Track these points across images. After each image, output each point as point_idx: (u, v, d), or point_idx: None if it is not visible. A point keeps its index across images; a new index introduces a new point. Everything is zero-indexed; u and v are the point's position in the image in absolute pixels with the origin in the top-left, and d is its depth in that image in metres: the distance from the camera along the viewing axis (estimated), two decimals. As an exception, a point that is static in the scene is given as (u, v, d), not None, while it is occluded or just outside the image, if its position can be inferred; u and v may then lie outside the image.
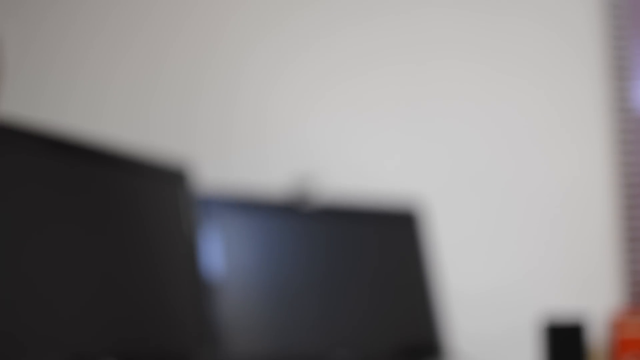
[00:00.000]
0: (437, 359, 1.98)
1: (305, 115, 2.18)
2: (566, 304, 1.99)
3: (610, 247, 2.12)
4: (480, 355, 2.05)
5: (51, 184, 1.47)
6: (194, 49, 2.18)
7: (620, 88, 2.17)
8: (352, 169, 2.14)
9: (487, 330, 2.10)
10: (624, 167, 2.14)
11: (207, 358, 1.64)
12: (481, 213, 2.18)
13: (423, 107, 2.20)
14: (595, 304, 2.03)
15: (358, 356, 1.79)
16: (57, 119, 1.60)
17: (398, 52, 2.21)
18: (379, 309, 1.92)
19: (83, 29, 2.16)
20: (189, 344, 1.64)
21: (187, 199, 1.69)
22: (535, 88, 2.19)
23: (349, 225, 1.93)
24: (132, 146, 1.66)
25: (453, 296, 2.09)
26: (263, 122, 2.15)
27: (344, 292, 1.86)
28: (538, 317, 1.92)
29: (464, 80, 2.20)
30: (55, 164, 1.48)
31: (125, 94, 2.14)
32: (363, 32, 2.21)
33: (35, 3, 2.14)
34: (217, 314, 1.66)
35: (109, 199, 1.57)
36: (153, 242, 1.63)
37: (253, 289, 1.74)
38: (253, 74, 2.16)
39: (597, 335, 1.94)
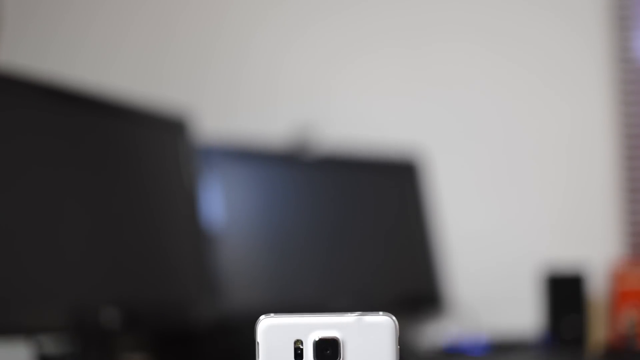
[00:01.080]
0: (437, 308, 1.98)
1: (306, 65, 2.16)
2: (566, 254, 1.99)
3: (610, 197, 2.12)
4: (480, 304, 2.05)
5: (51, 134, 1.46)
6: (206, 6, 2.16)
7: (622, 38, 2.15)
8: (351, 118, 2.13)
9: (487, 280, 2.10)
10: (625, 117, 2.13)
11: (207, 307, 1.64)
12: (481, 163, 2.17)
13: (423, 55, 2.18)
14: (596, 255, 2.03)
15: (358, 305, 1.79)
16: (66, 74, 1.58)
17: (398, 1, 2.18)
18: (379, 258, 1.92)
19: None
20: (189, 293, 1.64)
21: (187, 148, 1.68)
22: (537, 38, 2.18)
23: (349, 174, 1.92)
24: (132, 96, 1.64)
25: (453, 245, 2.09)
26: (265, 72, 2.13)
27: (344, 241, 1.86)
28: (538, 268, 1.92)
29: (463, 28, 2.18)
30: (55, 114, 1.47)
31: (135, 52, 2.12)
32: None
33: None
34: (217, 263, 1.66)
35: (109, 148, 1.56)
36: (153, 192, 1.63)
37: (253, 238, 1.73)
38: (260, 28, 2.14)
39: (597, 286, 1.94)
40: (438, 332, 2.00)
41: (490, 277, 2.10)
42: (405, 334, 1.86)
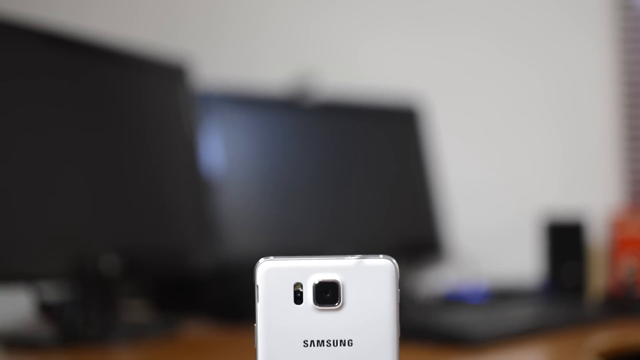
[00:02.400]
0: (437, 255, 1.99)
1: (306, 11, 2.14)
2: (566, 202, 1.99)
3: (610, 145, 2.12)
4: (480, 251, 2.05)
5: (51, 81, 1.45)
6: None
7: (624, -16, 2.14)
8: (352, 65, 2.12)
9: (487, 227, 2.10)
10: (625, 65, 2.12)
11: (207, 254, 1.64)
12: (482, 110, 2.16)
13: (423, 3, 2.16)
14: (596, 203, 2.03)
15: (358, 252, 1.79)
16: (67, 21, 1.56)
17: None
18: (379, 205, 1.92)
19: None
20: (188, 240, 1.65)
21: (187, 95, 1.67)
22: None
23: (349, 121, 1.92)
24: (132, 42, 1.63)
25: (453, 192, 2.09)
26: (264, 19, 2.12)
27: (344, 188, 1.86)
28: (538, 215, 1.92)
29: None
30: (56, 60, 1.46)
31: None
32: None
33: None
34: (217, 210, 1.66)
35: (110, 95, 1.55)
36: (153, 139, 1.62)
37: (253, 185, 1.73)
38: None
39: (597, 234, 1.94)
40: (438, 279, 2.00)
41: (491, 225, 2.10)
42: (406, 281, 1.86)
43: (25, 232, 1.38)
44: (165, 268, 1.65)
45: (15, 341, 1.43)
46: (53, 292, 1.49)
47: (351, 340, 0.55)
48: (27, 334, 1.46)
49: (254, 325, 0.56)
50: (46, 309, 1.47)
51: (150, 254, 1.58)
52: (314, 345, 0.55)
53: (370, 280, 0.55)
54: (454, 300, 1.76)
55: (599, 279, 1.88)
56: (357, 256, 0.56)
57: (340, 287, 0.55)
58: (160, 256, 1.60)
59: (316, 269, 0.55)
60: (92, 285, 1.50)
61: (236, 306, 1.63)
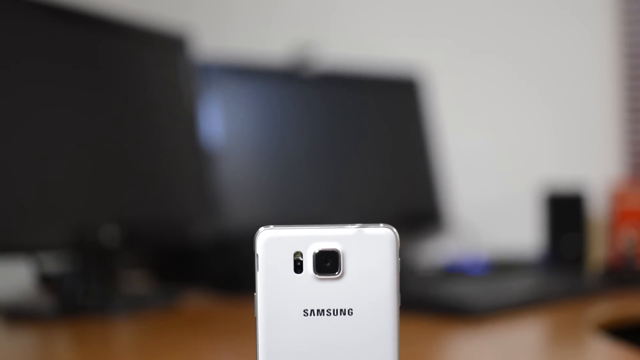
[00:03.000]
0: (437, 226, 1.99)
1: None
2: (567, 173, 1.99)
3: (611, 117, 2.11)
4: (480, 222, 2.06)
5: (51, 52, 1.45)
6: None
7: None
8: (352, 36, 2.11)
9: (487, 198, 2.10)
10: (627, 37, 2.11)
11: (207, 225, 1.64)
12: (482, 81, 2.16)
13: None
14: (596, 175, 2.03)
15: (358, 222, 1.79)
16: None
17: None
18: (379, 175, 1.91)
19: None
20: (188, 211, 1.64)
21: (187, 66, 1.67)
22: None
23: (349, 91, 1.91)
24: (133, 14, 1.62)
25: (453, 164, 2.09)
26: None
27: (344, 159, 1.86)
28: (538, 187, 1.92)
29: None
30: (55, 31, 1.45)
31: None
32: None
33: None
34: (217, 181, 1.66)
35: (109, 66, 1.55)
36: (153, 110, 1.62)
37: (253, 156, 1.73)
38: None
39: (597, 205, 1.94)
40: (438, 251, 2.00)
41: (491, 197, 2.10)
42: (406, 253, 1.87)
43: (25, 203, 1.38)
44: (165, 239, 1.65)
45: (15, 312, 1.43)
46: (53, 264, 1.49)
47: (351, 309, 0.55)
48: (27, 305, 1.47)
49: (253, 295, 0.55)
50: (46, 281, 1.47)
51: (150, 225, 1.58)
52: (314, 314, 0.55)
53: (370, 249, 0.55)
54: (454, 272, 1.76)
55: (598, 250, 1.88)
56: (357, 225, 0.55)
57: (340, 256, 0.55)
58: (160, 227, 1.60)
59: (316, 237, 0.55)
60: (92, 256, 1.50)
61: (236, 277, 1.63)
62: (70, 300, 1.45)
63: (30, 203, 1.38)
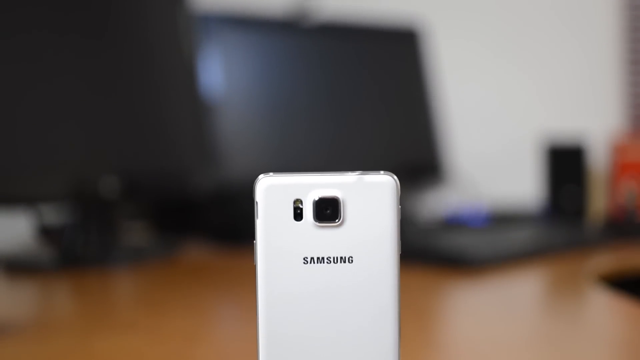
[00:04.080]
0: (438, 177, 1.98)
1: None
2: (567, 125, 1.98)
3: (612, 69, 2.10)
4: (480, 174, 2.05)
5: (51, 3, 1.43)
6: None
7: None
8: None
9: (488, 150, 2.10)
10: (630, -13, 2.10)
11: (206, 176, 1.64)
12: (483, 32, 2.14)
13: None
14: (596, 127, 2.02)
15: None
16: None
17: None
18: (379, 126, 1.91)
19: None
20: (188, 162, 1.64)
21: (186, 17, 1.65)
22: None
23: (349, 42, 1.90)
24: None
25: (454, 115, 2.08)
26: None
27: (344, 109, 1.85)
28: (539, 139, 1.92)
29: None
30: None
31: None
32: None
33: None
34: (217, 132, 1.65)
35: (109, 17, 1.54)
36: (152, 61, 1.61)
37: (252, 107, 1.72)
38: None
39: (598, 158, 1.94)
40: (438, 202, 2.00)
41: (491, 148, 2.10)
42: (406, 204, 1.86)
43: (25, 155, 1.37)
44: (164, 190, 1.65)
45: (15, 264, 1.43)
46: (53, 215, 1.49)
47: (351, 257, 0.55)
48: (27, 257, 1.47)
49: (253, 244, 0.55)
50: (46, 232, 1.47)
51: (150, 176, 1.57)
52: (314, 262, 0.55)
53: (370, 197, 0.55)
54: (454, 224, 1.76)
55: (599, 202, 1.88)
56: (357, 172, 0.55)
57: (340, 203, 0.54)
58: (159, 179, 1.59)
59: (316, 185, 0.54)
60: (92, 208, 1.50)
61: (236, 228, 1.63)
62: (70, 252, 1.46)
63: (30, 154, 1.38)
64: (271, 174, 0.55)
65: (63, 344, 0.94)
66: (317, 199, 0.54)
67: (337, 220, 0.54)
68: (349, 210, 0.55)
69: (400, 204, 0.55)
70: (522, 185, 2.01)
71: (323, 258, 0.55)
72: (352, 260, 0.55)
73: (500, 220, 1.78)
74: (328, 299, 0.55)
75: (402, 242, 0.56)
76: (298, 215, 0.54)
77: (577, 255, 1.47)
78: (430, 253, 1.38)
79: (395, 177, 0.55)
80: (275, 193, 0.54)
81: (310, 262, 0.55)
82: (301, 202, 0.54)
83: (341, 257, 0.55)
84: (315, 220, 0.54)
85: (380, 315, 0.55)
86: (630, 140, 1.90)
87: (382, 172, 0.55)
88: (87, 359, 0.86)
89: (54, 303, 1.26)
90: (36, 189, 1.41)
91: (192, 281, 1.35)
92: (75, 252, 1.46)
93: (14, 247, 1.57)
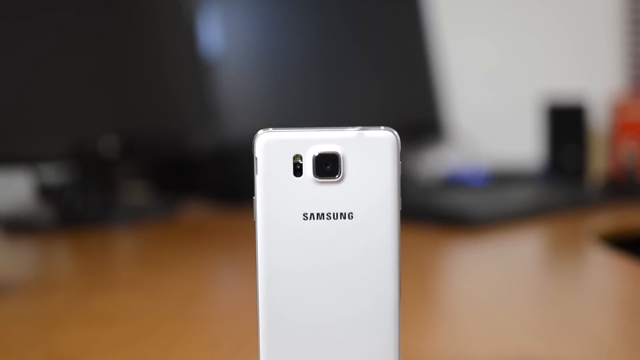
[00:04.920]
0: (438, 136, 1.98)
1: None
2: (568, 84, 1.98)
3: (613, 29, 2.09)
4: (481, 133, 2.05)
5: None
6: None
7: None
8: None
9: (488, 109, 2.09)
10: (632, -54, 2.08)
11: (206, 135, 1.64)
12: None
13: None
14: (597, 87, 2.01)
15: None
16: None
17: None
18: (380, 85, 1.90)
19: None
20: (188, 121, 1.64)
21: (184, -26, 1.64)
22: None
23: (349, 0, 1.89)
24: None
25: (454, 74, 2.08)
26: None
27: (344, 68, 1.84)
28: (540, 97, 1.91)
29: None
30: None
31: None
32: None
33: None
34: (216, 92, 1.65)
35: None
36: (152, 21, 1.60)
37: (252, 66, 1.71)
38: None
39: (598, 117, 1.93)
40: (439, 161, 2.00)
41: (492, 107, 2.09)
42: (407, 162, 1.86)
43: (25, 114, 1.37)
44: (164, 149, 1.64)
45: (14, 224, 1.43)
46: (52, 175, 1.49)
47: (351, 213, 0.54)
48: (26, 216, 1.47)
49: (253, 200, 0.55)
50: (46, 192, 1.47)
51: (150, 135, 1.57)
52: (313, 218, 0.54)
53: (371, 152, 0.54)
54: (454, 183, 1.76)
55: (599, 162, 1.88)
56: (357, 128, 0.54)
57: (340, 159, 0.54)
58: (159, 138, 1.59)
59: (316, 140, 0.54)
60: (91, 167, 1.50)
61: (235, 187, 1.63)
62: (70, 211, 1.45)
63: (29, 114, 1.37)
64: (270, 129, 0.54)
65: (63, 302, 0.94)
66: (317, 154, 0.54)
67: (337, 176, 0.54)
68: (349, 165, 0.54)
69: (400, 161, 0.55)
70: (522, 144, 2.01)
71: (323, 214, 0.54)
72: (352, 217, 0.54)
73: (501, 179, 1.78)
74: (328, 255, 0.55)
75: (402, 201, 0.56)
76: (298, 171, 0.54)
77: (577, 214, 1.47)
78: (430, 212, 1.38)
79: (396, 132, 0.54)
80: (274, 148, 0.54)
81: (310, 218, 0.54)
82: (301, 158, 0.54)
83: (341, 213, 0.54)
84: (315, 176, 0.54)
85: (381, 271, 0.55)
86: (630, 100, 1.89)
87: (382, 127, 0.55)
88: (87, 317, 0.86)
89: (53, 262, 1.26)
90: (36, 148, 1.40)
91: (192, 240, 1.35)
92: (74, 212, 1.46)
93: (13, 207, 1.57)
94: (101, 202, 1.50)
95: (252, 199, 0.55)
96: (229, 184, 1.66)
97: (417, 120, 1.95)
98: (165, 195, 1.73)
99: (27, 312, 0.89)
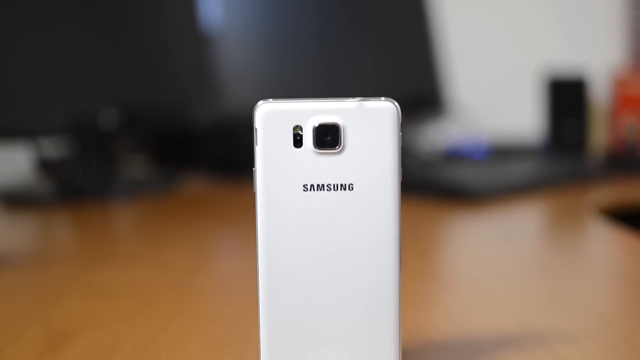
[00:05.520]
0: (439, 110, 1.97)
1: None
2: (569, 58, 1.97)
3: (615, 2, 2.08)
4: (481, 106, 2.04)
5: None
6: None
7: None
8: None
9: (489, 82, 2.08)
10: None
11: (206, 108, 1.63)
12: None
13: None
14: (598, 60, 2.01)
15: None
16: None
17: None
18: (380, 57, 1.89)
19: None
20: (188, 94, 1.63)
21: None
22: None
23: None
24: None
25: (455, 47, 2.07)
26: None
27: (344, 41, 1.83)
28: (540, 70, 1.90)
29: None
30: None
31: None
32: None
33: None
34: (217, 64, 1.64)
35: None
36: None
37: (252, 39, 1.71)
38: None
39: (599, 91, 1.92)
40: (439, 135, 2.00)
41: (492, 80, 2.09)
42: (407, 136, 1.86)
43: (25, 88, 1.36)
44: (164, 123, 1.64)
45: (14, 197, 1.43)
46: (52, 148, 1.49)
47: (352, 185, 0.54)
48: (26, 190, 1.47)
49: (252, 171, 0.55)
50: (45, 165, 1.47)
51: (150, 108, 1.56)
52: (313, 190, 0.54)
53: (371, 123, 0.54)
54: (455, 156, 1.76)
55: (600, 136, 1.87)
56: (358, 99, 0.54)
57: (340, 129, 0.54)
58: (159, 111, 1.58)
59: (316, 111, 0.54)
60: (91, 141, 1.49)
61: (235, 160, 1.63)
62: (69, 185, 1.45)
63: (29, 87, 1.37)
64: (270, 100, 0.54)
65: (63, 275, 0.94)
66: (317, 125, 0.54)
67: (337, 147, 0.54)
68: (349, 136, 0.54)
69: (401, 132, 0.55)
70: (523, 118, 2.00)
71: (323, 185, 0.54)
72: (352, 188, 0.54)
73: (501, 153, 1.78)
74: (328, 226, 0.55)
75: (403, 174, 0.55)
76: (298, 141, 0.54)
77: (577, 188, 1.47)
78: (431, 185, 1.38)
79: (396, 103, 0.54)
80: (274, 119, 0.54)
81: (310, 190, 0.54)
82: (301, 129, 0.54)
83: (341, 185, 0.54)
84: (315, 147, 0.54)
85: (381, 242, 0.55)
86: (631, 74, 1.89)
87: (382, 98, 0.54)
88: (86, 290, 0.86)
89: (53, 235, 1.26)
90: (35, 122, 1.40)
91: (192, 213, 1.35)
92: (74, 185, 1.46)
93: (13, 181, 1.57)
94: (101, 175, 1.50)
95: (252, 171, 0.54)
96: (229, 157, 1.66)
97: (417, 94, 1.94)
98: (165, 168, 1.73)
99: (27, 285, 0.89)
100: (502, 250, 1.04)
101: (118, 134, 1.53)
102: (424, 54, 1.95)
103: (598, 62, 2.00)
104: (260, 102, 0.54)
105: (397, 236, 0.55)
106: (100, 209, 1.37)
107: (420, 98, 1.94)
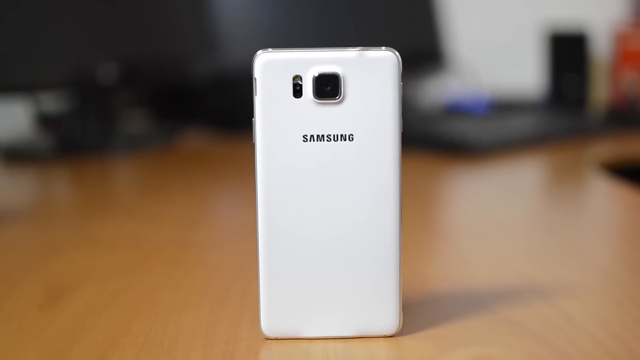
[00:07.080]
0: (439, 64, 1.96)
1: None
2: (569, 13, 1.95)
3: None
4: (482, 61, 2.03)
5: None
6: None
7: None
8: None
9: (489, 37, 2.07)
10: None
11: (206, 63, 1.62)
12: None
13: None
14: (599, 15, 1.99)
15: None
16: None
17: None
18: (380, 12, 1.88)
19: None
20: (187, 49, 1.62)
21: None
22: None
23: None
24: None
25: (455, 0, 2.05)
26: None
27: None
28: (541, 25, 1.89)
29: None
30: None
31: None
32: None
33: None
34: (216, 18, 1.63)
35: None
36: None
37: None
38: None
39: (600, 46, 1.91)
40: (439, 90, 1.99)
41: (493, 35, 2.07)
42: (407, 91, 1.85)
43: (23, 43, 1.35)
44: (164, 77, 1.63)
45: (13, 152, 1.43)
46: (51, 103, 1.48)
47: (352, 135, 0.54)
48: (25, 145, 1.46)
49: (252, 121, 0.54)
50: (44, 120, 1.46)
51: (149, 63, 1.55)
52: (313, 140, 0.54)
53: (372, 73, 0.53)
54: (455, 111, 1.75)
55: (601, 91, 1.86)
56: (358, 48, 0.53)
57: (340, 79, 0.53)
58: (159, 65, 1.57)
59: (316, 60, 0.53)
60: (90, 95, 1.49)
61: (235, 115, 1.62)
62: (69, 140, 1.45)
63: (28, 42, 1.36)
64: (270, 49, 0.53)
65: (62, 229, 0.94)
66: (316, 75, 0.53)
67: (337, 97, 0.53)
68: (349, 86, 0.53)
69: (402, 82, 0.54)
70: (523, 72, 1.99)
71: (323, 136, 0.54)
72: (352, 138, 0.54)
73: (502, 107, 1.77)
74: (328, 177, 0.54)
75: (403, 128, 0.55)
76: (297, 91, 0.53)
77: (578, 143, 1.46)
78: (431, 140, 1.37)
79: (397, 52, 0.54)
80: (274, 69, 0.53)
81: (310, 140, 0.54)
82: (300, 79, 0.53)
83: (341, 135, 0.54)
84: (315, 97, 0.53)
85: (381, 193, 0.54)
86: (632, 29, 1.87)
87: (383, 47, 0.54)
88: (86, 244, 0.86)
89: (52, 190, 1.26)
90: (34, 76, 1.40)
91: (191, 167, 1.35)
92: (73, 140, 1.45)
93: (12, 136, 1.57)
94: (100, 130, 1.49)
95: (252, 122, 0.54)
96: (229, 111, 1.65)
97: (418, 48, 1.93)
98: (164, 123, 1.72)
99: (26, 239, 0.89)
100: (503, 204, 1.04)
101: (117, 88, 1.52)
102: (424, 7, 1.94)
103: (599, 17, 1.98)
104: (259, 52, 0.53)
105: (398, 187, 0.54)
106: (100, 163, 1.37)
107: (420, 52, 1.93)
